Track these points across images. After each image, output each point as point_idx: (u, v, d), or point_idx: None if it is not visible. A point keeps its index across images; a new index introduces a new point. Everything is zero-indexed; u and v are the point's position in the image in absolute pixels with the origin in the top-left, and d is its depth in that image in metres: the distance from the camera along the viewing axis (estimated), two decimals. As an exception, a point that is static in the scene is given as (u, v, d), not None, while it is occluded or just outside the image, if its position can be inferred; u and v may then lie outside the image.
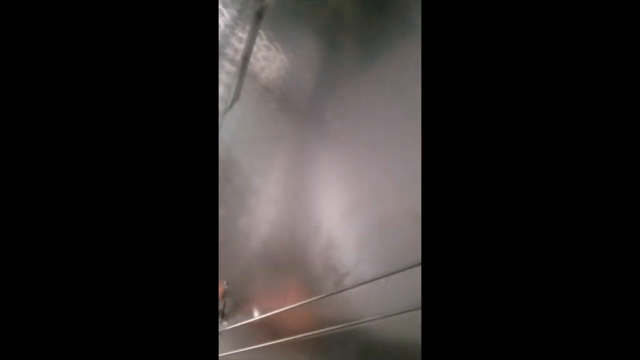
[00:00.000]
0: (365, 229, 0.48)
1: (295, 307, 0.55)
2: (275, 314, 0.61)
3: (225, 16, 1.38)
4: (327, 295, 0.49)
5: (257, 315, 0.68)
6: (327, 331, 0.47)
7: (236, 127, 1.19)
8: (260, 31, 1.42)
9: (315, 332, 0.49)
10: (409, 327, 0.37)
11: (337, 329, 0.45)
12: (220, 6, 1.38)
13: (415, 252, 0.41)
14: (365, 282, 0.43)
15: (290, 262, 0.64)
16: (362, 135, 0.82)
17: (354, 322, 0.43)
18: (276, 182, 1.06)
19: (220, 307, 0.78)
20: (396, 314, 0.38)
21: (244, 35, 1.38)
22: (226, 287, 0.81)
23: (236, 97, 1.21)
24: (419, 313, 0.33)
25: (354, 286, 0.43)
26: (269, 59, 1.41)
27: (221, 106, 1.22)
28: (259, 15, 1.36)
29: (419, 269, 0.39)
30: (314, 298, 0.51)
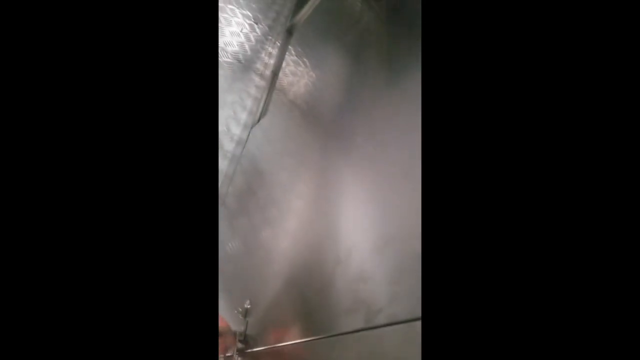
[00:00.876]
0: (399, 263, 0.48)
1: (320, 339, 0.55)
2: (297, 343, 0.61)
3: (256, 32, 1.41)
4: (356, 331, 0.49)
5: (275, 343, 0.68)
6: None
7: (263, 140, 1.21)
8: (290, 47, 1.44)
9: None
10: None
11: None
12: (251, 21, 1.41)
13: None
14: (400, 322, 0.42)
15: (317, 290, 0.63)
16: (391, 157, 0.82)
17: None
18: (300, 196, 1.07)
19: (242, 328, 0.78)
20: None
21: (273, 51, 1.41)
22: (248, 306, 0.81)
23: (264, 112, 1.23)
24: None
25: (386, 324, 0.43)
26: (297, 74, 1.43)
27: (249, 119, 1.24)
28: (289, 32, 1.38)
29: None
30: (342, 332, 0.51)
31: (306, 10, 1.35)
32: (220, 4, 1.35)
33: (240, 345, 0.77)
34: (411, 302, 0.41)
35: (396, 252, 0.49)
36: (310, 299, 0.64)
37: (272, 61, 1.37)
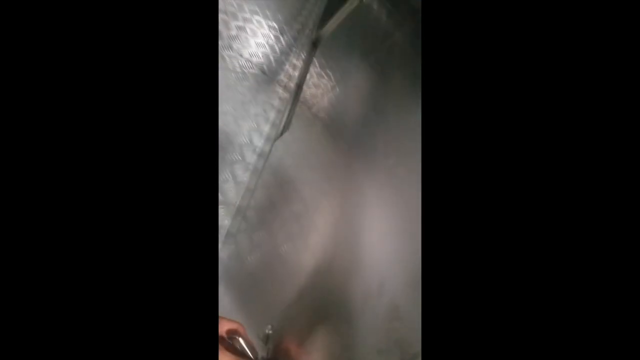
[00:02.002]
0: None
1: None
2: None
3: (281, 43, 1.41)
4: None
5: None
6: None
7: (285, 153, 1.20)
8: (314, 59, 1.44)
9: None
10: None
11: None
12: (277, 33, 1.41)
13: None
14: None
15: (345, 323, 0.61)
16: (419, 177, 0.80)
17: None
18: (323, 214, 1.06)
19: (263, 354, 0.76)
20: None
21: (298, 63, 1.41)
22: (270, 332, 0.80)
23: (287, 125, 1.22)
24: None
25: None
26: (321, 87, 1.42)
27: (272, 131, 1.24)
28: (314, 44, 1.38)
29: None
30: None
31: (332, 23, 1.34)
32: (247, 15, 1.35)
33: None
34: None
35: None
36: (334, 330, 0.62)
37: (296, 73, 1.37)
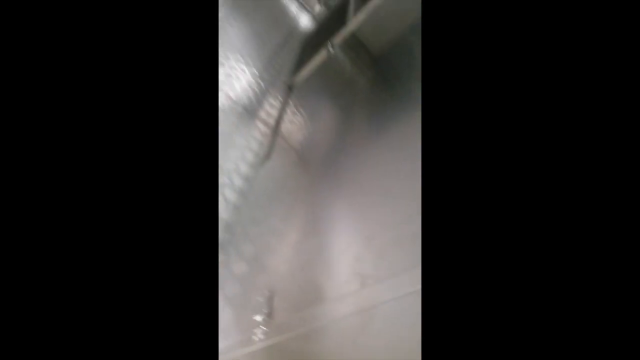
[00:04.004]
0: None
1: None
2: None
3: (261, 85, 1.67)
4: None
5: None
6: None
7: (266, 177, 1.42)
8: (289, 100, 1.70)
9: None
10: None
11: None
12: (257, 78, 1.67)
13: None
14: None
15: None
16: (379, 184, 1.03)
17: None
18: (296, 227, 1.26)
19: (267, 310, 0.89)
20: None
21: (276, 103, 1.66)
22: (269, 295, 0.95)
23: (268, 154, 1.45)
24: None
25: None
26: (295, 123, 1.67)
27: (255, 159, 1.46)
28: (289, 88, 1.64)
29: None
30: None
31: (304, 71, 1.62)
32: (232, 64, 1.61)
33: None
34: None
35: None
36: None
37: (274, 111, 1.62)
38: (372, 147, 1.40)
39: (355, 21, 1.49)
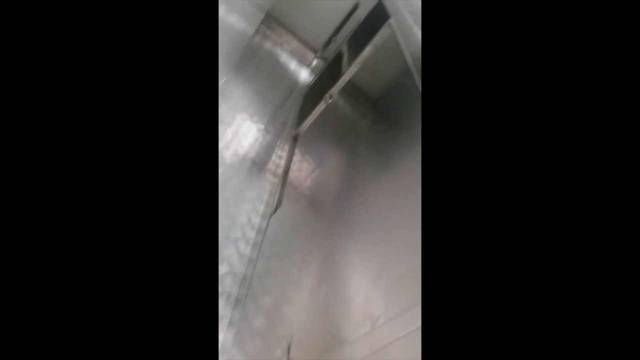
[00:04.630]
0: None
1: None
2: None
3: (267, 140, 1.75)
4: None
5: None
6: None
7: (278, 226, 1.45)
8: (296, 149, 1.78)
9: None
10: None
11: None
12: (264, 132, 1.76)
13: None
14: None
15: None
16: (388, 228, 1.03)
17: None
18: (312, 273, 1.26)
19: None
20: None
21: (282, 154, 1.73)
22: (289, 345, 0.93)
23: (279, 204, 1.49)
24: None
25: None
26: (303, 170, 1.73)
27: (267, 210, 1.50)
28: (294, 139, 1.72)
29: None
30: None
31: (307, 122, 1.70)
32: (239, 122, 1.71)
33: None
34: None
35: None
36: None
37: (282, 162, 1.69)
38: (377, 186, 1.42)
39: (349, 72, 1.59)
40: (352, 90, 2.11)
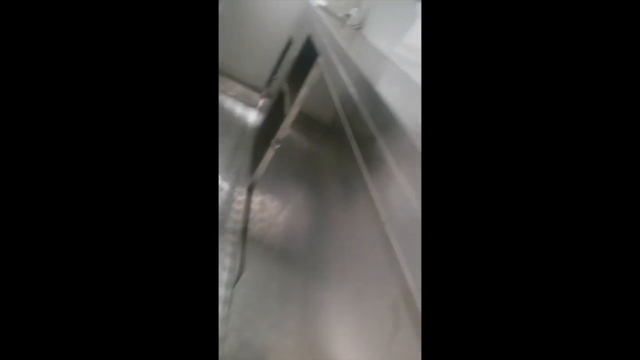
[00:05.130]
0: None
1: None
2: None
3: (221, 194, 1.63)
4: None
5: None
6: None
7: (247, 292, 1.31)
8: (254, 198, 1.66)
9: None
10: None
11: None
12: (219, 192, 1.64)
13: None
14: None
15: None
16: (364, 272, 0.91)
17: None
18: (290, 334, 1.12)
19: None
20: None
21: (239, 207, 1.61)
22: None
23: (242, 267, 1.35)
24: None
25: None
26: (266, 219, 1.61)
27: (230, 277, 1.36)
28: (249, 190, 1.60)
29: None
30: None
31: (260, 169, 1.59)
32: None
33: None
34: None
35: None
36: None
37: (240, 217, 1.56)
38: (345, 216, 1.30)
39: (290, 115, 1.50)
40: (304, 121, 2.02)
